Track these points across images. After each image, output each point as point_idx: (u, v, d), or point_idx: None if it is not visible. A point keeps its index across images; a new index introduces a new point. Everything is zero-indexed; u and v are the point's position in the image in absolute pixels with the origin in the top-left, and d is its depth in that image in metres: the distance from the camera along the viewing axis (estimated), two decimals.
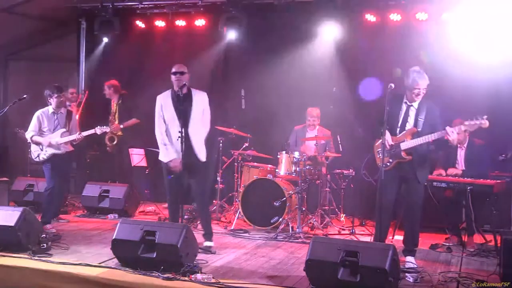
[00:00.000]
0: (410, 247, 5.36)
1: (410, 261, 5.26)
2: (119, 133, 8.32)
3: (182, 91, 5.60)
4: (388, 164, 5.33)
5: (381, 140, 5.42)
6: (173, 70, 5.71)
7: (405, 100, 5.35)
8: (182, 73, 5.67)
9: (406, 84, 5.28)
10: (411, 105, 5.32)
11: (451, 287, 4.61)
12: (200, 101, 5.75)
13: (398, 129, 5.34)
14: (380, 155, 5.42)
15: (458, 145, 6.32)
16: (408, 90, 5.29)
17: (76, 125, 6.86)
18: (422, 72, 5.24)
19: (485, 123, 5.03)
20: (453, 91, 7.41)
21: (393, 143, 5.27)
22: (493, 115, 7.39)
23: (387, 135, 5.26)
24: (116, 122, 8.05)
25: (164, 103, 5.73)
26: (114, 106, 8.23)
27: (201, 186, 5.81)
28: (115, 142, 8.07)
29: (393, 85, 5.22)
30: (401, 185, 5.41)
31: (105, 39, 9.27)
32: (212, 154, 7.20)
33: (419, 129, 5.25)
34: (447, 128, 5.07)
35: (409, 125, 5.31)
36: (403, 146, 5.25)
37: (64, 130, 6.64)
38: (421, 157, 5.29)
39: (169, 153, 5.66)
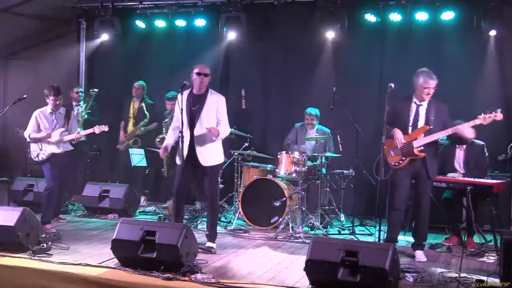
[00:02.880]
0: (420, 241, 5.65)
1: (420, 255, 5.54)
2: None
3: (199, 92, 5.65)
4: (400, 162, 5.52)
5: (390, 140, 5.58)
6: (197, 70, 5.62)
7: (414, 100, 5.55)
8: (206, 75, 5.62)
9: (416, 84, 5.50)
10: (421, 104, 5.52)
11: (451, 287, 4.61)
12: (214, 104, 5.67)
13: (410, 128, 5.53)
14: (392, 154, 5.60)
15: (457, 146, 6.34)
16: (418, 90, 5.49)
17: (76, 124, 6.85)
18: (430, 72, 5.48)
19: (500, 116, 5.23)
20: (453, 91, 7.42)
21: (405, 141, 5.44)
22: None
23: (399, 133, 5.47)
24: (132, 122, 8.43)
25: (182, 101, 5.66)
26: (135, 107, 8.46)
27: (207, 188, 5.76)
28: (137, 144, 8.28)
29: (393, 85, 5.28)
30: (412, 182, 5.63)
31: (105, 36, 9.23)
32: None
33: (430, 127, 5.43)
34: (458, 126, 5.34)
35: (420, 123, 5.51)
36: (416, 143, 5.42)
37: (63, 129, 6.64)
38: (432, 154, 5.52)
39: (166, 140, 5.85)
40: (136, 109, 8.46)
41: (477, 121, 5.29)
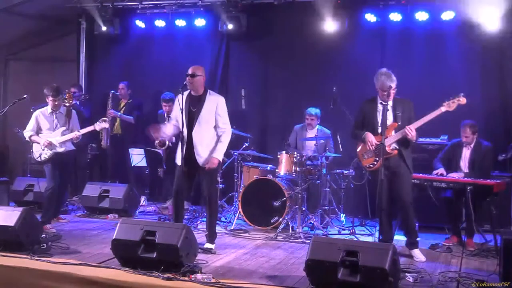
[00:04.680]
0: (412, 240, 5.63)
1: (418, 254, 5.55)
2: (119, 131, 8.45)
3: (196, 93, 5.68)
4: (374, 163, 5.58)
5: (362, 144, 5.69)
6: (187, 72, 5.67)
7: (380, 101, 5.61)
8: (193, 76, 5.62)
9: (377, 87, 5.59)
10: (387, 103, 5.57)
11: (451, 287, 4.61)
12: (213, 105, 5.67)
13: (380, 128, 5.57)
14: (365, 157, 5.71)
15: (465, 146, 6.33)
16: (379, 92, 5.57)
17: (77, 123, 6.85)
18: (389, 73, 5.54)
19: (463, 99, 5.34)
20: (453, 91, 7.42)
21: (377, 142, 5.49)
22: (494, 115, 7.44)
23: (371, 136, 5.57)
24: (119, 120, 8.50)
25: (179, 102, 5.68)
26: (122, 104, 8.53)
27: (206, 189, 5.77)
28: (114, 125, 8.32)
29: (392, 85, 5.31)
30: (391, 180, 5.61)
31: (105, 34, 9.22)
32: None
33: (399, 123, 5.50)
34: (406, 127, 5.38)
35: (389, 121, 5.56)
36: (387, 141, 5.46)
37: (64, 128, 6.63)
38: (406, 148, 5.57)
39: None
40: (124, 106, 8.51)
41: (443, 109, 5.38)
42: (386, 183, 5.51)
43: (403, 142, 5.51)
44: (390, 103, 5.58)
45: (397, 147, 5.52)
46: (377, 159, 5.51)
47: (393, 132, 5.51)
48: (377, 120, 5.60)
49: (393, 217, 5.80)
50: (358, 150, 5.81)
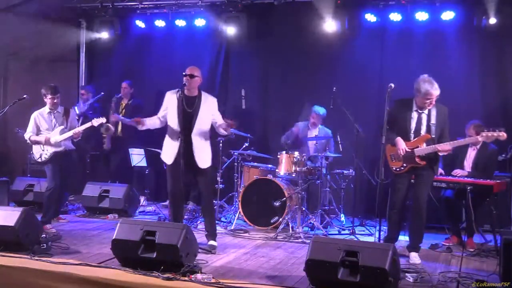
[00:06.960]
0: (415, 244, 5.56)
1: (414, 256, 5.46)
2: (119, 132, 8.44)
3: (191, 94, 5.66)
4: (402, 168, 5.50)
5: (392, 147, 5.53)
6: (185, 72, 5.66)
7: (415, 108, 5.46)
8: (192, 76, 5.61)
9: (417, 92, 5.38)
10: (423, 112, 5.44)
11: (451, 287, 4.61)
12: (210, 107, 5.71)
13: (412, 135, 5.46)
14: (394, 159, 5.58)
15: (470, 146, 6.33)
16: (419, 98, 5.39)
17: (76, 122, 6.83)
18: (432, 81, 5.36)
19: (503, 135, 5.19)
20: (453, 91, 7.43)
21: (408, 149, 5.39)
22: (494, 115, 7.44)
23: (402, 143, 5.40)
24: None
25: (170, 101, 5.68)
26: (123, 106, 8.49)
27: (204, 189, 5.77)
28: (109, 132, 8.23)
29: (393, 85, 5.28)
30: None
31: (105, 36, 9.21)
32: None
33: (432, 136, 5.39)
34: (438, 147, 5.29)
35: (422, 130, 5.44)
36: (417, 152, 5.38)
37: (62, 127, 6.63)
38: (433, 159, 5.47)
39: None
40: (124, 108, 8.49)
41: (480, 139, 5.34)
42: (407, 185, 5.52)
43: (433, 154, 5.40)
44: (426, 110, 5.44)
45: (425, 159, 5.40)
46: (404, 164, 5.44)
47: (424, 144, 5.38)
48: (411, 127, 5.46)
49: (404, 218, 5.77)
50: (386, 150, 5.56)
